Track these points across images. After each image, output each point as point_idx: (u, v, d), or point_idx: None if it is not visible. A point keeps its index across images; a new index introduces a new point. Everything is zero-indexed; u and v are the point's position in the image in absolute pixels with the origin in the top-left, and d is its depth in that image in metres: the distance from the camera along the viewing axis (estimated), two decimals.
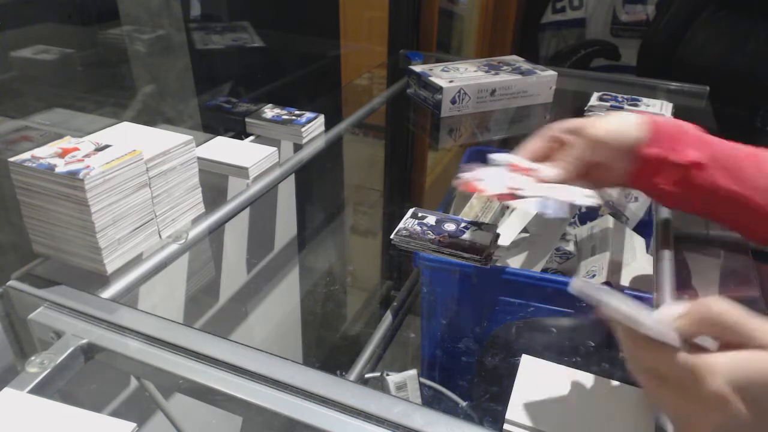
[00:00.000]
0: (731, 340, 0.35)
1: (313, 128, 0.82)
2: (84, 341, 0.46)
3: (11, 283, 0.51)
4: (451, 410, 0.85)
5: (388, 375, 0.79)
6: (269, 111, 0.84)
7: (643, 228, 1.03)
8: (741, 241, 0.65)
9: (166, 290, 0.76)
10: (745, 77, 1.45)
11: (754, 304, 0.56)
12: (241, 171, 0.70)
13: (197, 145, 0.60)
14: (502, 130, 1.08)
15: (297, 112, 0.83)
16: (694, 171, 0.55)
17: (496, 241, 0.68)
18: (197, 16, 0.94)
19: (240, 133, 0.82)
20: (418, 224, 0.68)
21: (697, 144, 0.56)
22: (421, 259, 0.84)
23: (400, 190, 1.47)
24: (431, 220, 0.69)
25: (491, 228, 0.68)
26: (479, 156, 1.16)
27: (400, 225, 0.68)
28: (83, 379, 0.48)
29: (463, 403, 0.86)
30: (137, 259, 0.55)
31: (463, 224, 0.69)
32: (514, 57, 1.13)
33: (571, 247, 1.00)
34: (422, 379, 0.85)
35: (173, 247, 0.58)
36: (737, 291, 0.61)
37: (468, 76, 1.00)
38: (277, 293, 1.08)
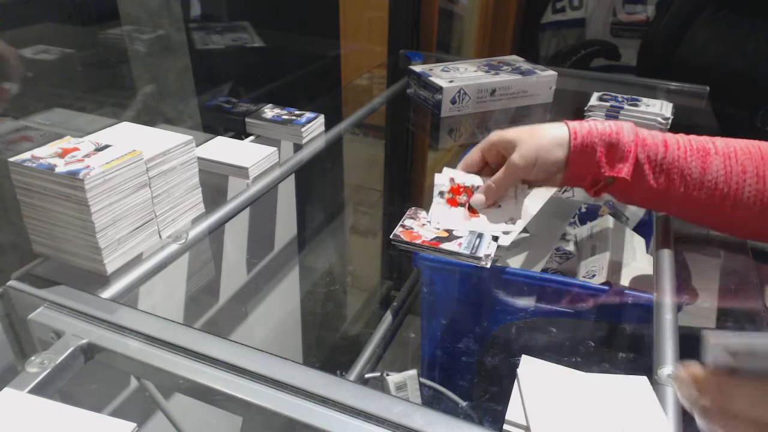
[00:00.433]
0: None
1: (313, 128, 0.82)
2: (84, 341, 0.46)
3: (11, 283, 0.51)
4: (451, 410, 0.85)
5: (388, 375, 0.79)
6: (269, 111, 0.84)
7: (643, 228, 1.03)
8: (741, 241, 0.65)
9: (166, 290, 0.76)
10: (745, 77, 1.45)
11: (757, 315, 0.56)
12: (241, 171, 0.70)
13: (197, 145, 0.60)
14: None
15: (297, 112, 0.83)
16: (620, 182, 0.61)
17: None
18: (197, 16, 0.94)
19: (240, 133, 0.82)
20: (418, 224, 0.68)
21: (624, 155, 0.61)
22: (421, 259, 0.84)
23: (400, 190, 1.47)
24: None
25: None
26: None
27: (400, 225, 0.68)
28: (83, 379, 0.48)
29: (463, 403, 0.86)
30: (137, 259, 0.55)
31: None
32: (514, 57, 1.13)
33: (571, 247, 1.00)
34: (422, 379, 0.85)
35: (173, 247, 0.58)
36: (740, 298, 0.61)
37: (468, 76, 1.00)
38: (277, 293, 1.08)
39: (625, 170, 0.60)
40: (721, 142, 0.61)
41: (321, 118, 0.83)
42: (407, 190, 1.50)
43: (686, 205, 0.61)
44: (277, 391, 0.42)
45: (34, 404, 0.39)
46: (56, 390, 0.44)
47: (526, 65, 1.07)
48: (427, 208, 0.71)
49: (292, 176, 0.79)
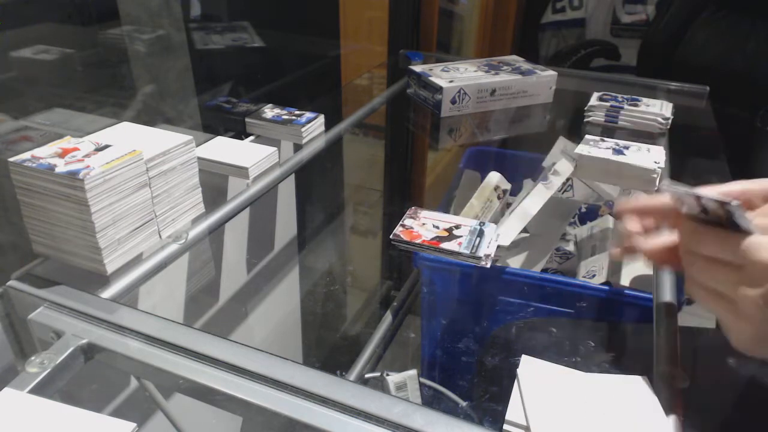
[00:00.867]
0: None
1: (313, 128, 0.82)
2: (84, 341, 0.46)
3: (11, 283, 0.51)
4: (451, 410, 0.85)
5: (388, 375, 0.79)
6: (269, 111, 0.84)
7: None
8: None
9: (166, 290, 0.76)
10: (745, 77, 1.45)
11: None
12: (241, 171, 0.70)
13: (197, 145, 0.60)
14: (502, 130, 1.08)
15: (297, 112, 0.83)
16: None
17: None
18: (197, 16, 0.94)
19: (240, 133, 0.82)
20: (418, 224, 0.68)
21: None
22: (421, 259, 0.84)
23: (400, 190, 1.47)
24: (431, 220, 0.69)
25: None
26: (479, 156, 1.17)
27: (400, 225, 0.68)
28: (83, 379, 0.48)
29: (463, 403, 0.86)
30: (137, 259, 0.55)
31: (463, 225, 0.69)
32: (514, 57, 1.13)
33: (571, 247, 1.00)
34: (422, 379, 0.85)
35: (173, 247, 0.58)
36: None
37: (468, 76, 1.00)
38: (277, 293, 1.08)
39: None
40: None
41: (321, 118, 0.83)
42: (407, 190, 1.50)
43: None
44: (277, 391, 0.42)
45: (34, 404, 0.39)
46: (56, 390, 0.44)
47: (526, 65, 1.07)
48: (427, 208, 0.71)
49: (292, 176, 0.79)
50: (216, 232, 0.65)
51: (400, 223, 0.68)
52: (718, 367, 0.64)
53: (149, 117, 0.84)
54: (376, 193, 1.46)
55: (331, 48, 1.31)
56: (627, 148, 0.76)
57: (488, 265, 0.63)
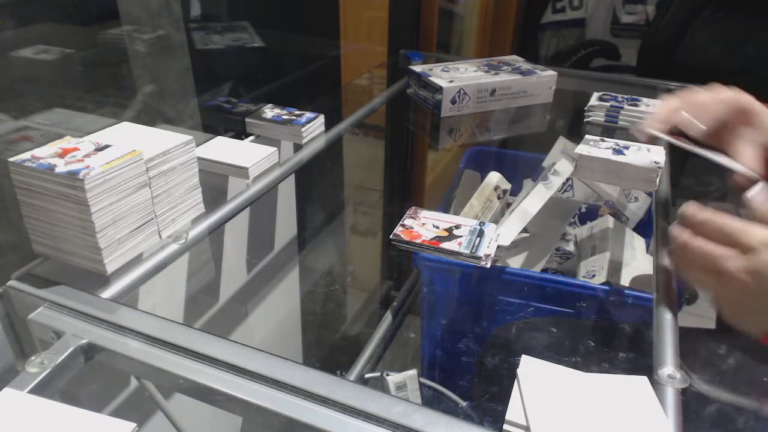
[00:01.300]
0: None
1: (313, 128, 0.82)
2: (84, 341, 0.46)
3: (11, 283, 0.51)
4: (451, 410, 0.85)
5: (388, 375, 0.79)
6: (269, 111, 0.84)
7: (643, 228, 1.03)
8: None
9: (166, 290, 0.76)
10: (745, 77, 1.45)
11: None
12: (241, 171, 0.70)
13: (197, 145, 0.60)
14: (502, 130, 1.08)
15: (297, 112, 0.83)
16: None
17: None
18: (197, 16, 0.94)
19: (240, 133, 0.82)
20: (418, 224, 0.68)
21: None
22: (421, 259, 0.84)
23: (400, 190, 1.47)
24: (431, 219, 0.69)
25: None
26: (479, 156, 1.17)
27: (400, 225, 0.68)
28: (83, 379, 0.48)
29: (463, 403, 0.87)
30: (137, 259, 0.55)
31: (463, 224, 0.69)
32: (514, 57, 1.13)
33: (571, 247, 1.00)
34: (422, 379, 0.85)
35: (173, 247, 0.58)
36: None
37: (468, 76, 1.00)
38: (277, 293, 1.08)
39: None
40: None
41: (321, 118, 0.83)
42: (407, 190, 1.50)
43: None
44: (277, 391, 0.42)
45: (34, 404, 0.39)
46: (56, 390, 0.44)
47: (526, 65, 1.07)
48: (427, 208, 0.71)
49: (292, 176, 0.79)
50: (216, 232, 0.65)
51: (400, 223, 0.68)
52: (718, 367, 0.64)
53: (149, 117, 0.84)
54: (376, 193, 1.46)
55: (331, 48, 1.31)
56: (627, 148, 0.76)
57: (488, 265, 0.63)
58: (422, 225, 0.68)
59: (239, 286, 0.97)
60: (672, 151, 0.79)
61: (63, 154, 0.50)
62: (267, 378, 0.42)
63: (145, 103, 0.83)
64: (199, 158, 0.61)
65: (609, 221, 0.99)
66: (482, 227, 0.68)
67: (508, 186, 0.89)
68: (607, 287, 0.81)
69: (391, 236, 0.66)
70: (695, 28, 1.55)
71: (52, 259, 0.54)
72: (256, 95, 1.05)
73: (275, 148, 0.74)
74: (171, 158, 0.56)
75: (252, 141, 0.81)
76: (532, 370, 0.45)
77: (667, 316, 0.53)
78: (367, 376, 0.86)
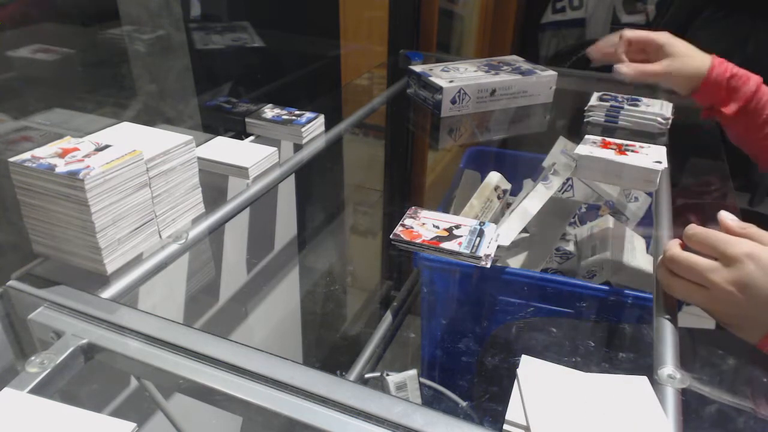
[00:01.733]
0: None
1: (313, 128, 0.82)
2: (84, 341, 0.46)
3: (11, 283, 0.51)
4: (451, 410, 0.85)
5: (388, 375, 0.79)
6: (269, 111, 0.84)
7: (643, 228, 1.03)
8: None
9: (166, 290, 0.76)
10: None
11: None
12: (241, 171, 0.70)
13: (197, 145, 0.60)
14: (502, 130, 1.08)
15: (297, 112, 0.83)
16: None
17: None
18: (197, 16, 0.94)
19: (240, 133, 0.82)
20: (418, 224, 0.68)
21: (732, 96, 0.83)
22: (421, 259, 0.84)
23: (400, 190, 1.47)
24: (431, 219, 0.69)
25: None
26: (479, 156, 1.17)
27: (400, 224, 0.68)
28: (83, 379, 0.48)
29: (463, 403, 0.86)
30: (137, 259, 0.55)
31: (462, 224, 0.69)
32: (514, 57, 1.13)
33: (571, 247, 1.00)
34: (422, 379, 0.85)
35: (173, 247, 0.58)
36: None
37: (468, 76, 1.00)
38: (277, 293, 1.08)
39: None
40: None
41: (321, 118, 0.83)
42: (407, 190, 1.50)
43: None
44: (277, 391, 0.42)
45: (34, 404, 0.39)
46: (56, 390, 0.44)
47: (526, 65, 1.07)
48: (427, 208, 0.71)
49: (292, 176, 0.79)
50: (216, 232, 0.65)
51: (400, 223, 0.68)
52: (718, 367, 0.64)
53: (149, 117, 0.84)
54: (376, 193, 1.46)
55: (331, 48, 1.31)
56: (628, 148, 0.76)
57: (488, 265, 0.63)
58: (422, 225, 0.68)
59: (239, 286, 0.97)
60: (672, 151, 0.79)
61: (63, 154, 0.50)
62: (267, 378, 0.42)
63: (145, 103, 0.83)
64: (199, 158, 0.61)
65: (609, 221, 0.99)
66: (482, 227, 0.68)
67: (508, 186, 0.89)
68: (607, 287, 0.81)
69: (391, 236, 0.66)
70: (695, 27, 1.56)
71: (52, 259, 0.54)
72: (256, 95, 1.04)
73: (275, 148, 0.74)
74: (171, 158, 0.56)
75: (252, 141, 0.81)
76: (532, 370, 0.45)
77: (667, 316, 0.53)
78: (367, 376, 0.86)
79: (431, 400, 0.87)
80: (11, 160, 0.49)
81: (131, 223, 0.53)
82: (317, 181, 1.20)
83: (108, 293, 0.51)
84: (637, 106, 0.95)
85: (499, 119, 1.02)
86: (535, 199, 0.74)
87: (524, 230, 0.84)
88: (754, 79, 0.84)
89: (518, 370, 0.45)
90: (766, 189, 2.22)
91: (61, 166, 0.48)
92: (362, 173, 1.45)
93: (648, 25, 2.13)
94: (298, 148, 0.80)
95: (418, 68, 1.04)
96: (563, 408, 0.42)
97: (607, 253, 0.92)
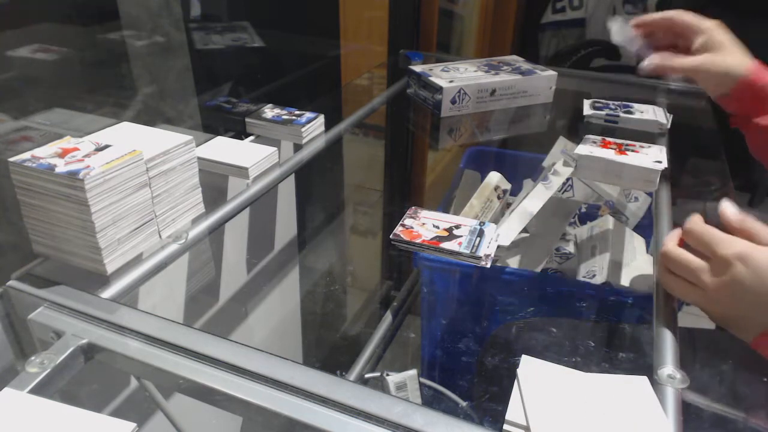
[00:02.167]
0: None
1: (313, 128, 0.82)
2: (84, 341, 0.46)
3: (11, 283, 0.51)
4: (451, 410, 0.85)
5: (388, 375, 0.79)
6: (269, 111, 0.84)
7: (643, 228, 1.03)
8: None
9: (166, 290, 0.76)
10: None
11: None
12: (241, 171, 0.70)
13: (197, 145, 0.60)
14: (502, 130, 1.08)
15: (297, 112, 0.83)
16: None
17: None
18: (197, 16, 0.94)
19: (240, 133, 0.82)
20: (418, 224, 0.68)
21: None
22: (421, 259, 0.84)
23: (400, 190, 1.47)
24: (431, 219, 0.69)
25: None
26: (479, 156, 1.17)
27: (400, 224, 0.68)
28: (83, 379, 0.48)
29: (463, 403, 0.87)
30: (137, 259, 0.55)
31: (462, 224, 0.69)
32: (514, 57, 1.13)
33: (571, 247, 1.00)
34: (422, 379, 0.85)
35: (173, 247, 0.58)
36: None
37: (468, 76, 1.00)
38: (277, 293, 1.08)
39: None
40: None
41: (321, 118, 0.83)
42: (407, 190, 1.50)
43: None
44: (277, 391, 0.42)
45: (34, 404, 0.39)
46: (56, 390, 0.44)
47: (526, 65, 1.07)
48: (427, 208, 0.71)
49: (292, 176, 0.79)
50: (216, 232, 0.65)
51: (400, 223, 0.68)
52: (718, 367, 0.64)
53: (149, 117, 0.84)
54: (376, 193, 1.46)
55: (331, 48, 1.31)
56: (628, 148, 0.76)
57: (488, 265, 0.63)
58: (422, 225, 0.68)
59: (239, 286, 0.97)
60: (672, 151, 0.79)
61: (63, 154, 0.50)
62: (267, 378, 0.42)
63: (145, 103, 0.83)
64: (199, 158, 0.61)
65: (609, 221, 0.99)
66: (482, 227, 0.68)
67: (508, 186, 0.89)
68: (607, 287, 0.81)
69: (391, 236, 0.66)
70: None
71: (52, 259, 0.54)
72: (256, 95, 1.04)
73: (275, 148, 0.74)
74: (171, 158, 0.56)
75: (252, 141, 0.81)
76: (532, 370, 0.45)
77: (667, 316, 0.53)
78: (367, 376, 0.86)
79: (431, 400, 0.87)
80: (11, 160, 0.49)
81: (131, 223, 0.53)
82: (317, 181, 1.20)
83: (108, 293, 0.51)
84: (631, 114, 0.94)
85: (499, 119, 1.02)
86: (535, 199, 0.74)
87: (524, 230, 0.84)
88: None
89: (518, 370, 0.45)
90: (766, 189, 2.22)
91: (61, 166, 0.48)
92: (362, 173, 1.45)
93: None
94: (298, 148, 0.80)
95: (418, 68, 1.04)
96: (563, 408, 0.42)
97: (607, 253, 0.92)
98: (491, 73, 1.03)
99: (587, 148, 0.76)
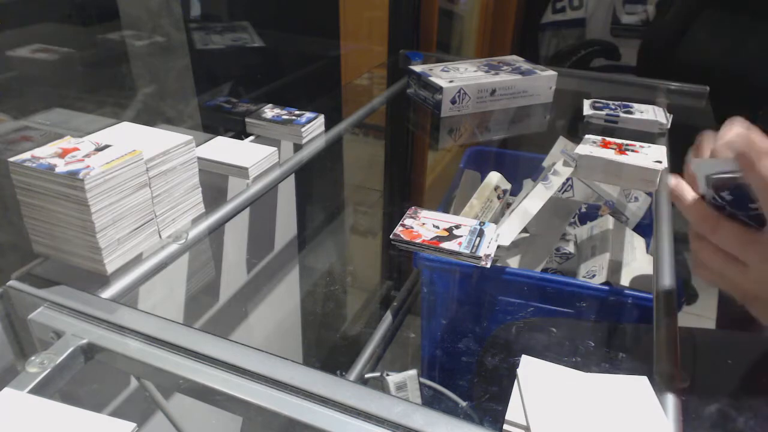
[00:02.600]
0: None
1: (313, 128, 0.82)
2: (84, 341, 0.46)
3: (11, 283, 0.51)
4: (451, 410, 0.85)
5: (388, 375, 0.79)
6: (269, 111, 0.84)
7: (643, 228, 1.03)
8: None
9: (166, 290, 0.76)
10: (745, 77, 1.45)
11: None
12: (241, 171, 0.70)
13: (197, 145, 0.60)
14: (502, 130, 1.08)
15: (297, 112, 0.83)
16: None
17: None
18: (197, 16, 0.94)
19: (240, 133, 0.82)
20: (418, 224, 0.68)
21: None
22: (421, 259, 0.84)
23: (400, 190, 1.47)
24: (431, 219, 0.69)
25: None
26: (479, 156, 1.17)
27: (400, 224, 0.68)
28: (83, 379, 0.48)
29: (463, 403, 0.87)
30: (137, 259, 0.55)
31: (462, 224, 0.69)
32: (514, 57, 1.13)
33: (571, 247, 1.00)
34: (422, 379, 0.85)
35: (173, 247, 0.58)
36: None
37: (468, 76, 1.00)
38: (277, 293, 1.08)
39: None
40: None
41: (321, 118, 0.83)
42: (407, 190, 1.50)
43: None
44: (277, 391, 0.42)
45: (34, 404, 0.39)
46: (56, 390, 0.44)
47: (526, 65, 1.07)
48: (427, 208, 0.71)
49: (292, 176, 0.79)
50: (216, 232, 0.65)
51: (400, 222, 0.68)
52: (718, 367, 0.64)
53: (149, 117, 0.83)
54: (376, 193, 1.46)
55: (331, 48, 1.31)
56: (628, 148, 0.76)
57: (488, 265, 0.63)
58: (422, 225, 0.68)
59: (239, 286, 0.97)
60: (672, 151, 0.79)
61: (63, 154, 0.50)
62: (267, 378, 0.42)
63: (145, 103, 0.83)
64: (199, 158, 0.61)
65: (609, 221, 0.99)
66: (482, 227, 0.68)
67: (508, 186, 0.89)
68: (607, 287, 0.81)
69: (391, 236, 0.66)
70: (695, 28, 1.55)
71: (52, 259, 0.54)
72: (256, 95, 1.04)
73: (275, 148, 0.74)
74: (171, 158, 0.56)
75: (252, 141, 0.81)
76: (532, 370, 0.45)
77: (667, 316, 0.53)
78: (367, 376, 0.86)
79: (431, 400, 0.87)
80: (11, 160, 0.49)
81: (131, 223, 0.53)
82: (317, 181, 1.20)
83: (108, 293, 0.51)
84: (631, 114, 0.94)
85: (499, 119, 1.02)
86: (535, 199, 0.74)
87: (524, 230, 0.84)
88: None
89: (518, 370, 0.45)
90: None
91: (61, 166, 0.48)
92: (362, 173, 1.45)
93: (648, 25, 2.14)
94: (298, 148, 0.80)
95: (418, 68, 1.04)
96: (563, 408, 0.42)
97: (607, 253, 0.92)
98: (491, 73, 1.03)
99: (587, 148, 0.76)
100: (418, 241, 0.65)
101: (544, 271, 0.95)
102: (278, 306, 1.10)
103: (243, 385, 0.42)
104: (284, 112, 0.84)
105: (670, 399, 0.44)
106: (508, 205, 0.86)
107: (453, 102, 0.97)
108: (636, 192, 1.04)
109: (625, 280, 0.87)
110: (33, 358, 0.44)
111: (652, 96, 1.05)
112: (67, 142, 0.53)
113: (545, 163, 1.03)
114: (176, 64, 0.87)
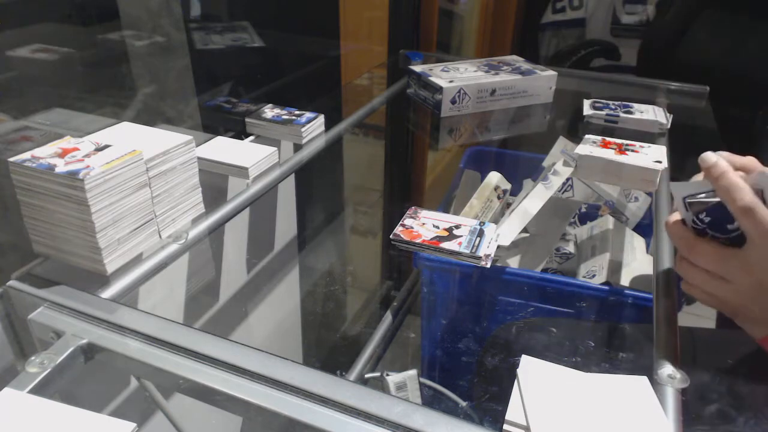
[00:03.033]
0: None
1: (313, 128, 0.82)
2: (84, 341, 0.46)
3: (11, 283, 0.51)
4: (451, 410, 0.85)
5: (388, 375, 0.79)
6: (269, 111, 0.84)
7: (643, 228, 1.03)
8: None
9: (166, 290, 0.76)
10: (745, 77, 1.45)
11: None
12: (241, 171, 0.70)
13: (197, 145, 0.60)
14: (502, 130, 1.08)
15: (297, 112, 0.83)
16: None
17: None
18: (197, 16, 0.94)
19: (240, 133, 0.82)
20: (418, 224, 0.68)
21: None
22: (421, 259, 0.84)
23: (400, 190, 1.47)
24: (431, 219, 0.69)
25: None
26: (479, 156, 1.17)
27: (400, 224, 0.68)
28: (83, 379, 0.48)
29: (463, 403, 0.87)
30: (137, 259, 0.55)
31: (462, 224, 0.69)
32: (514, 57, 1.13)
33: (571, 247, 1.00)
34: (422, 379, 0.85)
35: (173, 247, 0.58)
36: None
37: (468, 76, 1.00)
38: (277, 293, 1.08)
39: None
40: None
41: (321, 118, 0.83)
42: (407, 190, 1.50)
43: None
44: (277, 391, 0.42)
45: (34, 404, 0.39)
46: (56, 390, 0.44)
47: (526, 65, 1.07)
48: (427, 208, 0.71)
49: (292, 176, 0.79)
50: (216, 232, 0.65)
51: (400, 222, 0.68)
52: (718, 367, 0.64)
53: (149, 117, 0.83)
54: (376, 193, 1.46)
55: (331, 48, 1.30)
56: (628, 148, 0.76)
57: (488, 265, 0.63)
58: (422, 225, 0.68)
59: (239, 286, 0.97)
60: (672, 151, 0.79)
61: (63, 154, 0.50)
62: (267, 378, 0.42)
63: (145, 103, 0.83)
64: (199, 158, 0.61)
65: (609, 221, 0.99)
66: (482, 227, 0.68)
67: (508, 186, 0.89)
68: (607, 287, 0.81)
69: (391, 236, 0.66)
70: (695, 28, 1.55)
71: (52, 259, 0.54)
72: (256, 95, 1.04)
73: (275, 148, 0.74)
74: (171, 158, 0.56)
75: (252, 141, 0.81)
76: (532, 370, 0.45)
77: (667, 316, 0.53)
78: (367, 376, 0.86)
79: (431, 400, 0.87)
80: (11, 160, 0.49)
81: (131, 223, 0.53)
82: (317, 181, 1.20)
83: (108, 293, 0.51)
84: (631, 114, 0.94)
85: (499, 119, 1.02)
86: (535, 199, 0.74)
87: (524, 230, 0.84)
88: None
89: (518, 370, 0.45)
90: None
91: (61, 166, 0.48)
92: (362, 173, 1.45)
93: (648, 25, 2.13)
94: (298, 148, 0.80)
95: (418, 68, 1.04)
96: (563, 408, 0.42)
97: (607, 253, 0.92)
98: (491, 73, 1.03)
99: (587, 148, 0.76)
100: (418, 241, 0.65)
101: (544, 271, 0.95)
102: (278, 306, 1.10)
103: (243, 385, 0.42)
104: (284, 112, 0.84)
105: (670, 399, 0.44)
106: (508, 205, 0.86)
107: (453, 102, 0.97)
108: (636, 192, 1.04)
109: (625, 280, 0.87)
110: (33, 358, 0.44)
111: (652, 96, 1.05)
112: (67, 142, 0.53)
113: (545, 163, 1.03)
114: (176, 64, 0.87)
